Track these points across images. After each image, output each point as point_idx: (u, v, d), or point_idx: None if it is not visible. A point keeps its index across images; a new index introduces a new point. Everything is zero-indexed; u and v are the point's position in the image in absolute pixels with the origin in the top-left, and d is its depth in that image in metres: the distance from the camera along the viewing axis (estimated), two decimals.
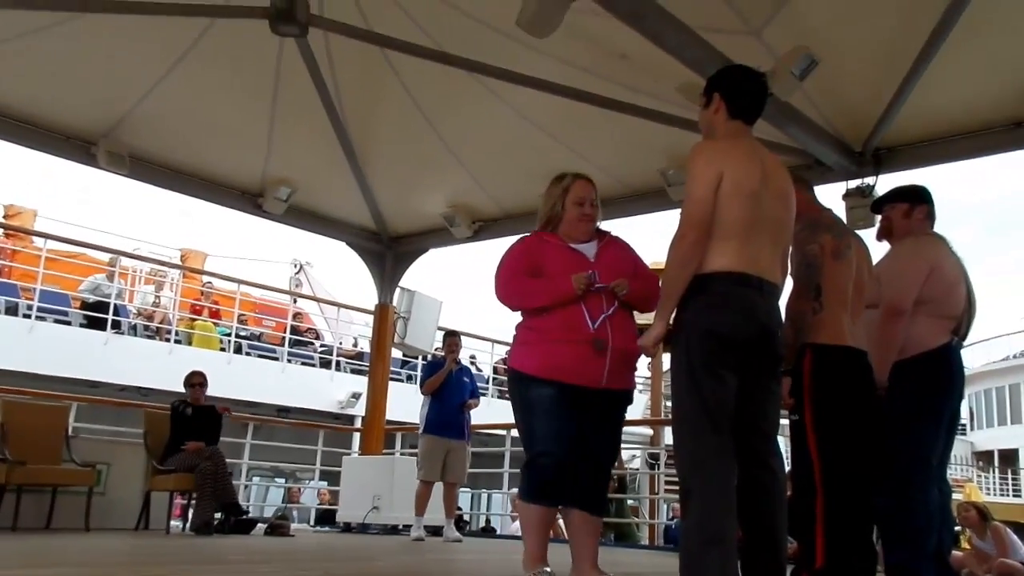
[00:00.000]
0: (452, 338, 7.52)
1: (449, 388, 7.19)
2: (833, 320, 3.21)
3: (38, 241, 11.38)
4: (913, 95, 5.27)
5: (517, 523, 11.70)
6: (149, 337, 11.68)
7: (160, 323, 11.92)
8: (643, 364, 19.84)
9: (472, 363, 15.96)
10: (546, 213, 3.60)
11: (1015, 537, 6.01)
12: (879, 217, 3.96)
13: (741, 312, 2.66)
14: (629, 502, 10.22)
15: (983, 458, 32.69)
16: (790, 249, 3.01)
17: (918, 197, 3.82)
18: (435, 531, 7.43)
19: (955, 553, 5.69)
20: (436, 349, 9.10)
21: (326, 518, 10.50)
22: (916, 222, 3.76)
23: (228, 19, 5.71)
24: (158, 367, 10.68)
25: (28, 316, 10.17)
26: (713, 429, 2.60)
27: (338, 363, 13.64)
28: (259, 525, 7.65)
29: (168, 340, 11.60)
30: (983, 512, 6.25)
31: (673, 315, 2.76)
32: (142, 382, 10.86)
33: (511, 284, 3.39)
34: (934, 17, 4.67)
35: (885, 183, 5.96)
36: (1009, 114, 5.46)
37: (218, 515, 6.93)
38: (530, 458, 3.26)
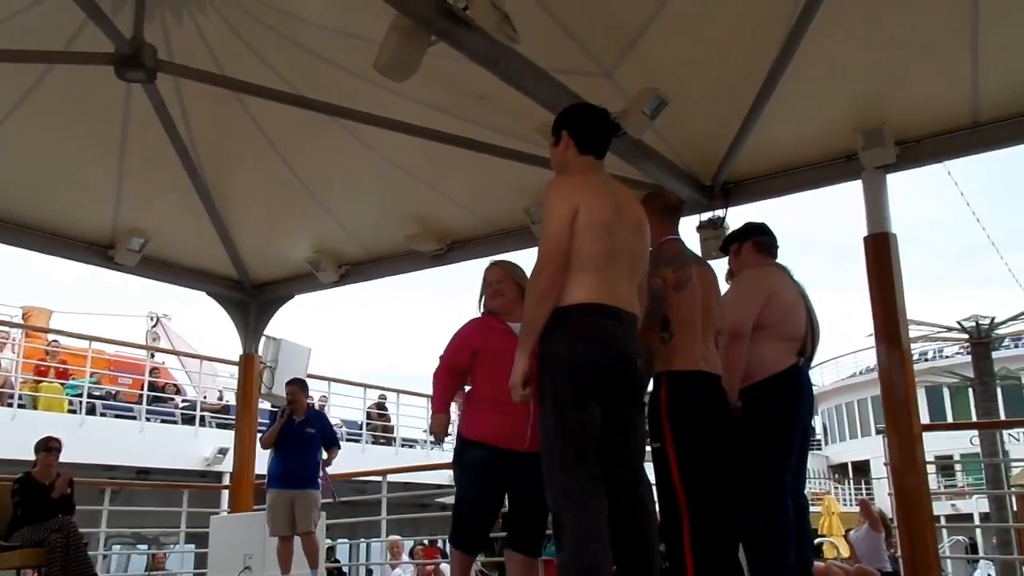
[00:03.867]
0: (291, 386, 7.31)
1: (289, 439, 7.00)
2: (684, 347, 3.35)
3: None
4: (755, 132, 5.59)
5: (397, 571, 11.47)
6: None
7: (2, 387, 11.06)
8: None
9: (322, 406, 15.66)
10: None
11: (884, 548, 6.31)
12: None
13: (600, 342, 2.72)
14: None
15: (838, 470, 34.56)
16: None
17: (743, 235, 4.15)
18: None
19: (817, 564, 5.95)
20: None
21: None
22: (747, 257, 4.06)
23: (68, 64, 5.46)
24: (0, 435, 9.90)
25: None
26: (580, 460, 2.63)
27: (202, 418, 13.04)
28: None
29: (11, 405, 10.77)
30: (887, 526, 6.52)
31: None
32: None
33: None
34: (769, 59, 4.99)
35: (735, 214, 6.29)
36: (842, 147, 5.87)
37: None
38: None
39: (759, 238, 4.13)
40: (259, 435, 7.90)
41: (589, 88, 4.72)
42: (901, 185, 6.21)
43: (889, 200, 5.83)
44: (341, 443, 14.86)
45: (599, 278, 2.75)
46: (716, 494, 3.24)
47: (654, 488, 3.16)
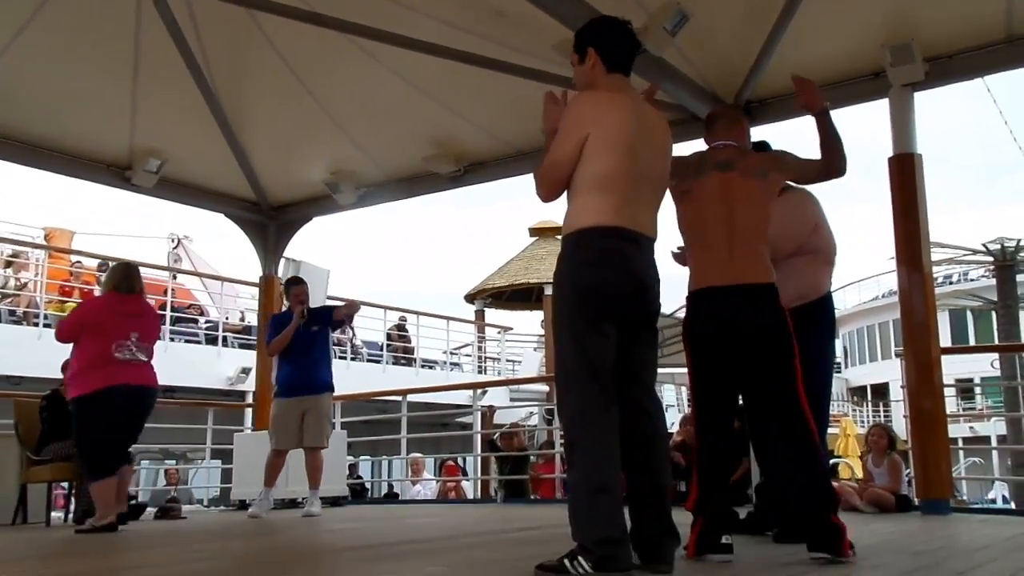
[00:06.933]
0: (296, 286, 6.65)
1: (299, 344, 6.44)
2: (695, 264, 3.28)
3: None
4: (779, 49, 5.44)
5: (418, 487, 11.75)
6: (15, 323, 11.01)
7: (26, 307, 11.24)
8: (537, 321, 20.16)
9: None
10: None
11: (904, 472, 6.31)
12: None
13: (618, 267, 2.71)
14: (531, 459, 10.38)
15: (857, 393, 34.73)
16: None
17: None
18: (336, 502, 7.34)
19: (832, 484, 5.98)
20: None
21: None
22: None
23: None
24: (27, 354, 10.09)
25: None
26: (595, 381, 2.65)
27: (225, 338, 13.24)
28: (149, 510, 7.42)
29: (36, 325, 10.96)
30: (892, 441, 6.46)
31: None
32: (10, 370, 10.24)
33: None
34: None
35: (758, 134, 6.15)
36: (868, 65, 5.71)
37: None
38: None
39: None
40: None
41: (608, 2, 4.58)
42: (930, 95, 6.11)
43: (916, 119, 5.69)
44: (363, 364, 15.19)
45: (621, 201, 2.71)
46: (723, 411, 3.22)
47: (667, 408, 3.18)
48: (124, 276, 5.60)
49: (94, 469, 5.30)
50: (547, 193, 2.84)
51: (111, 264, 5.83)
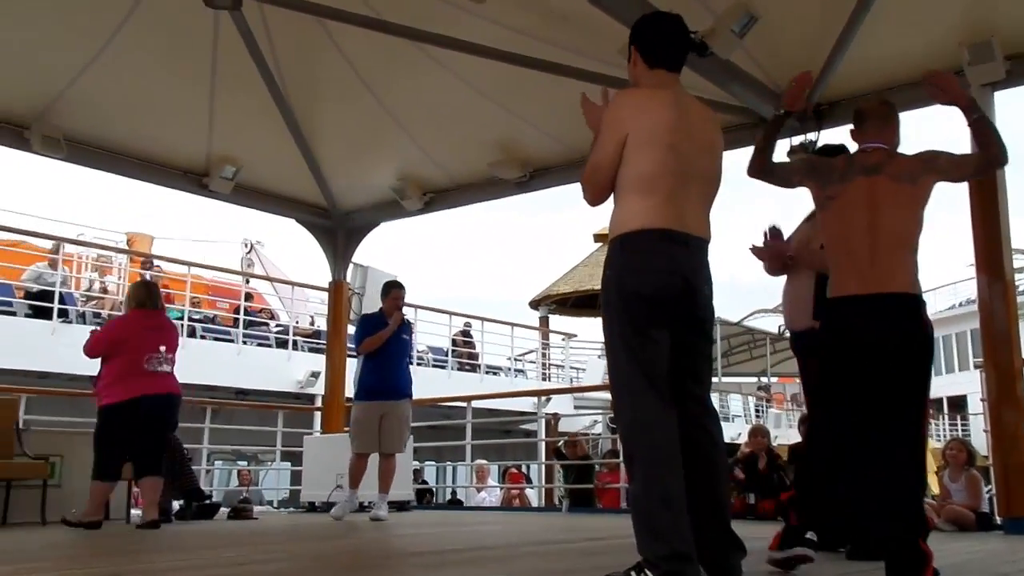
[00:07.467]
0: (397, 290, 6.74)
1: (386, 348, 6.54)
2: (833, 271, 3.13)
3: None
4: (851, 50, 5.32)
5: (483, 494, 11.80)
6: (99, 325, 11.42)
7: (110, 310, 11.66)
8: (601, 328, 20.11)
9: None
10: None
11: (984, 489, 6.08)
12: None
13: (663, 270, 2.62)
14: (595, 467, 10.32)
15: (933, 405, 33.56)
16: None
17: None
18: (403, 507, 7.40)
19: None
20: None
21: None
22: None
23: None
24: None
25: None
26: (650, 388, 2.57)
27: (295, 342, 13.52)
28: (222, 510, 7.61)
29: None
30: (971, 456, 6.24)
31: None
32: (95, 371, 10.62)
33: None
34: None
35: (828, 137, 6.03)
36: (945, 64, 5.50)
37: (179, 502, 6.89)
38: None
39: None
40: (351, 359, 7.82)
41: (674, 5, 4.54)
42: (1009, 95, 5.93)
43: (996, 119, 5.49)
44: (427, 369, 15.34)
45: (666, 201, 2.62)
46: (838, 421, 3.04)
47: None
48: (148, 294, 6.09)
49: (99, 469, 5.66)
50: (592, 197, 2.78)
51: (137, 279, 6.13)
